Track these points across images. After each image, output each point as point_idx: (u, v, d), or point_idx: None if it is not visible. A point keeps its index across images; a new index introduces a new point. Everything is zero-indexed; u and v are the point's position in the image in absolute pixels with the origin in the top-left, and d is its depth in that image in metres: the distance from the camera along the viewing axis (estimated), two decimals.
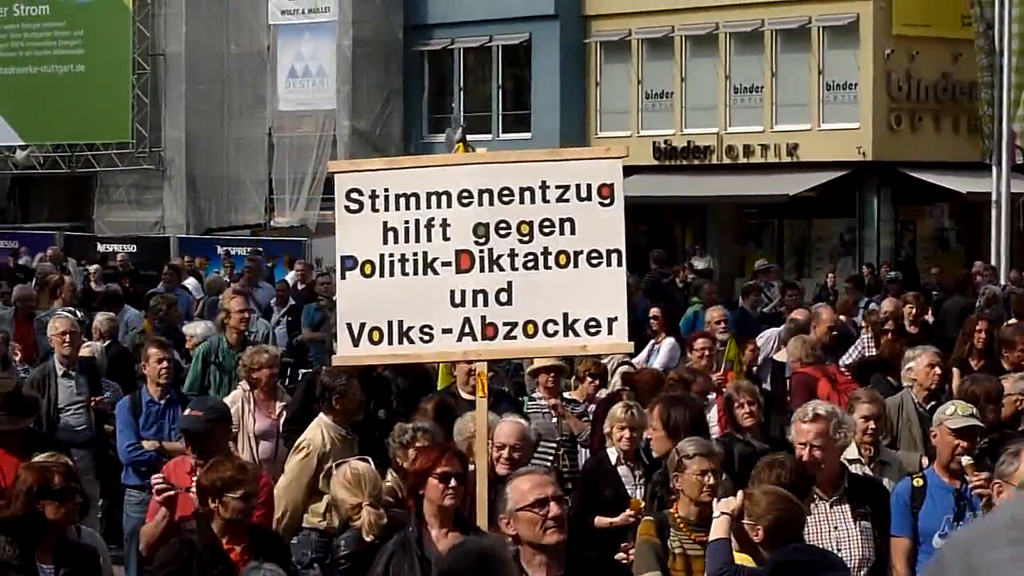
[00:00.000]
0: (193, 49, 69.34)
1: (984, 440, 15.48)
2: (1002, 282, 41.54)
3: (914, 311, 28.02)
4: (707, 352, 22.98)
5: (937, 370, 19.66)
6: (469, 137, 52.06)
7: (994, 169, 49.46)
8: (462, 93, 65.87)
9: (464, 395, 14.89)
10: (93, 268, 43.16)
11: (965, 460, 14.54)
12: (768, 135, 62.25)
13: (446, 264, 12.08)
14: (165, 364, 21.65)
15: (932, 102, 59.48)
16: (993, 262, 46.30)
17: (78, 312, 29.57)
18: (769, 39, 62.60)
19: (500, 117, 63.14)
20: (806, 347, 24.33)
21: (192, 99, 69.56)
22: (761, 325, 31.58)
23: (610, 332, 12.61)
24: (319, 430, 17.09)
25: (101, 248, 51.85)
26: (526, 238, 12.12)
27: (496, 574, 9.25)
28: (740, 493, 12.70)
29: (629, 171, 64.30)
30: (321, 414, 17.53)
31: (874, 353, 25.21)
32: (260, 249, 46.48)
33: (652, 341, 26.59)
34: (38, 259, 45.79)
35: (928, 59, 59.28)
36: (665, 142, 63.45)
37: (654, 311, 29.41)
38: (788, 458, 13.07)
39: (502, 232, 12.11)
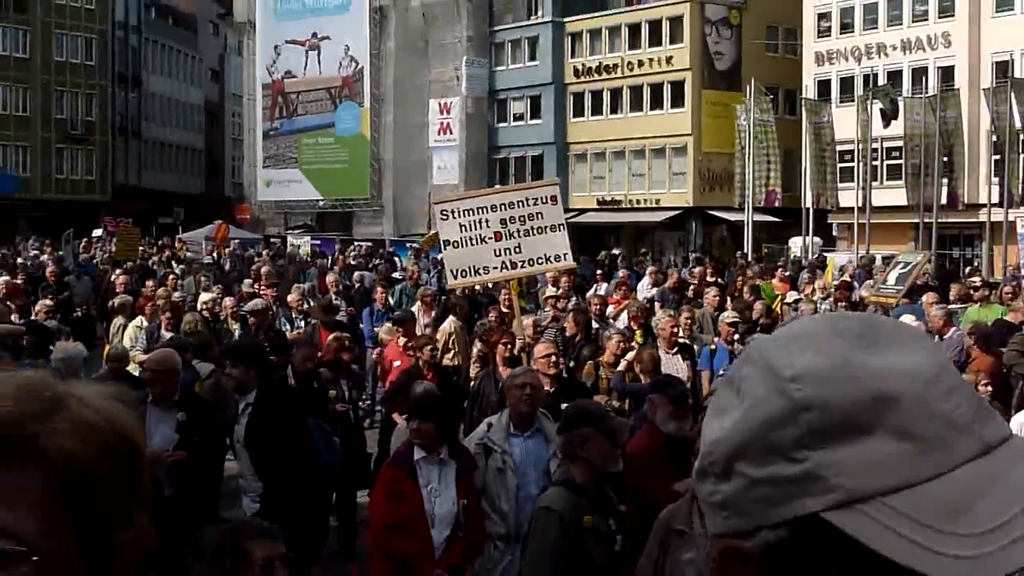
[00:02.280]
0: (395, 157, 69.06)
1: (743, 329, 15.39)
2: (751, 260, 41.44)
3: (708, 271, 28.00)
4: (624, 290, 22.31)
5: (718, 298, 19.45)
6: None
7: (745, 210, 48.83)
8: (512, 178, 65.31)
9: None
10: (352, 254, 43.33)
11: (736, 338, 14.85)
12: (647, 194, 61.67)
13: (490, 238, 12.57)
14: (384, 294, 21.85)
15: (719, 181, 58.74)
16: (745, 251, 45.90)
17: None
18: (649, 154, 62.07)
19: None
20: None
21: (395, 179, 69.18)
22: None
23: (565, 259, 13.20)
24: (449, 323, 17.10)
25: (356, 245, 51.78)
26: (524, 223, 12.60)
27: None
28: (633, 351, 12.96)
29: (585, 211, 65.63)
30: (450, 316, 17.56)
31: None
32: (420, 244, 46.14)
33: (595, 284, 26.78)
34: (336, 250, 46.32)
35: (718, 163, 58.56)
36: (603, 198, 63.10)
37: (599, 272, 29.83)
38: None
39: (511, 221, 12.61)
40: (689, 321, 16.19)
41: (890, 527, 1.11)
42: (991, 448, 1.16)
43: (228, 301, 19.13)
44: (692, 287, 23.93)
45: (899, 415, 1.14)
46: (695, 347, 15.01)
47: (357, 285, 26.58)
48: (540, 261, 13.07)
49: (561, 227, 13.03)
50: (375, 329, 19.67)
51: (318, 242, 50.91)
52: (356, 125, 71.64)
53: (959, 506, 1.11)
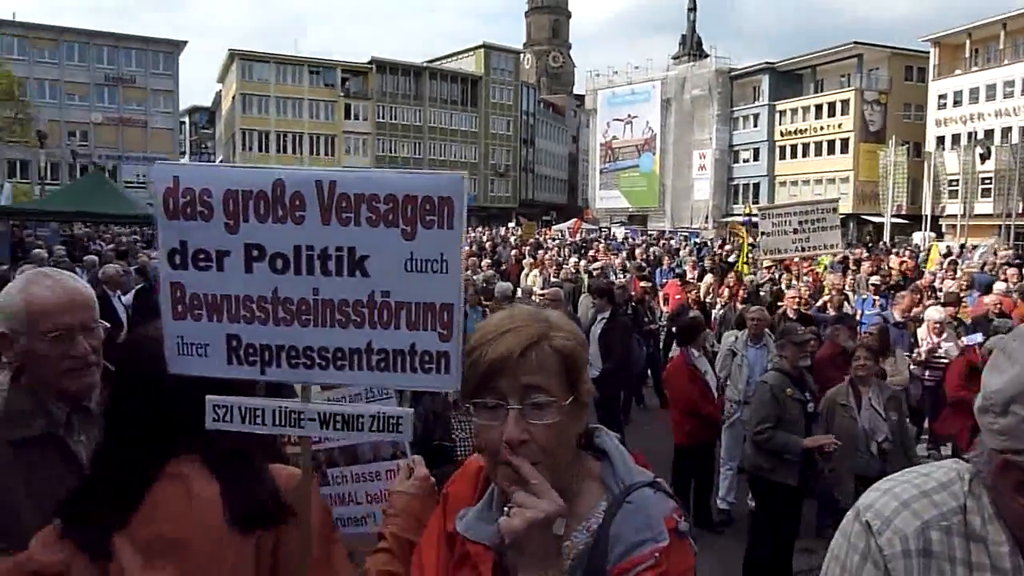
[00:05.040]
0: (673, 184, 66.37)
1: (883, 288, 13.53)
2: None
3: (862, 253, 25.26)
4: (810, 262, 20.44)
5: (869, 268, 17.09)
6: None
7: (885, 216, 45.27)
8: (742, 198, 62.02)
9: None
10: (647, 238, 41.31)
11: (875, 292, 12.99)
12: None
13: (791, 231, 10.73)
14: (669, 261, 20.97)
15: (869, 198, 53.68)
16: (885, 241, 42.42)
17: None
18: (825, 182, 57.32)
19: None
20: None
21: (672, 196, 66.69)
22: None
23: (837, 247, 11.50)
24: (708, 277, 14.89)
25: (649, 233, 50.04)
26: (813, 223, 10.71)
27: None
28: (827, 296, 11.54)
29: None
30: (708, 273, 15.93)
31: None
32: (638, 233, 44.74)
33: None
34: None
35: (868, 187, 53.60)
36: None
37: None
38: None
39: (805, 221, 10.84)
40: (851, 281, 15.08)
41: None
42: None
43: (583, 263, 19.11)
44: (852, 261, 22.22)
45: None
46: (852, 296, 13.92)
47: (652, 255, 26.14)
48: (820, 248, 11.50)
49: (836, 227, 11.29)
50: (664, 280, 19.14)
51: (629, 231, 50.44)
52: (651, 166, 69.98)
53: None
